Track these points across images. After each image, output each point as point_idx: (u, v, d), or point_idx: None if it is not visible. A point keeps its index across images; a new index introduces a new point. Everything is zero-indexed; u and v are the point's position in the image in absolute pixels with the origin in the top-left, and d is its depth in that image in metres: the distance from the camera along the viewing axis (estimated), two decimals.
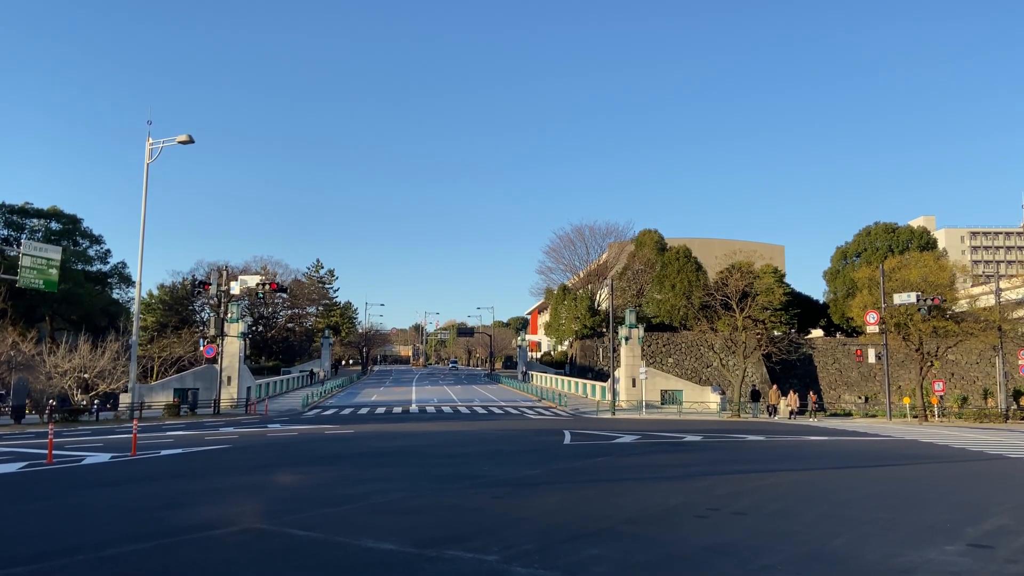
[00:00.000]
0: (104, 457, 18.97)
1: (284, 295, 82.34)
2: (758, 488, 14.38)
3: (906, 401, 47.31)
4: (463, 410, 45.59)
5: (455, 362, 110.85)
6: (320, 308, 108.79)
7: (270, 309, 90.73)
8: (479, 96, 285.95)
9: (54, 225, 66.01)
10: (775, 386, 52.30)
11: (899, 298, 42.55)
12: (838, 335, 72.83)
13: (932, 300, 41.86)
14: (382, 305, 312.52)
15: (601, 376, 66.67)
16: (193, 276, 73.46)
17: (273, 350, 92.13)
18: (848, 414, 51.00)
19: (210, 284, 43.66)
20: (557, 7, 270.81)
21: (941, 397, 46.75)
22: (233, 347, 46.45)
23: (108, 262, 70.53)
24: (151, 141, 38.64)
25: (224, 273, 44.50)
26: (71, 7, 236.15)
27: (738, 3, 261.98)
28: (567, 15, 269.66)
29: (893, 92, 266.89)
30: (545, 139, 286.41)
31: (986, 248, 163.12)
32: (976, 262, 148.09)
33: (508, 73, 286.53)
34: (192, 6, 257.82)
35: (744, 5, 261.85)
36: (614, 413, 44.71)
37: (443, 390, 69.93)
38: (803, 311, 70.92)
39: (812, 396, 46.97)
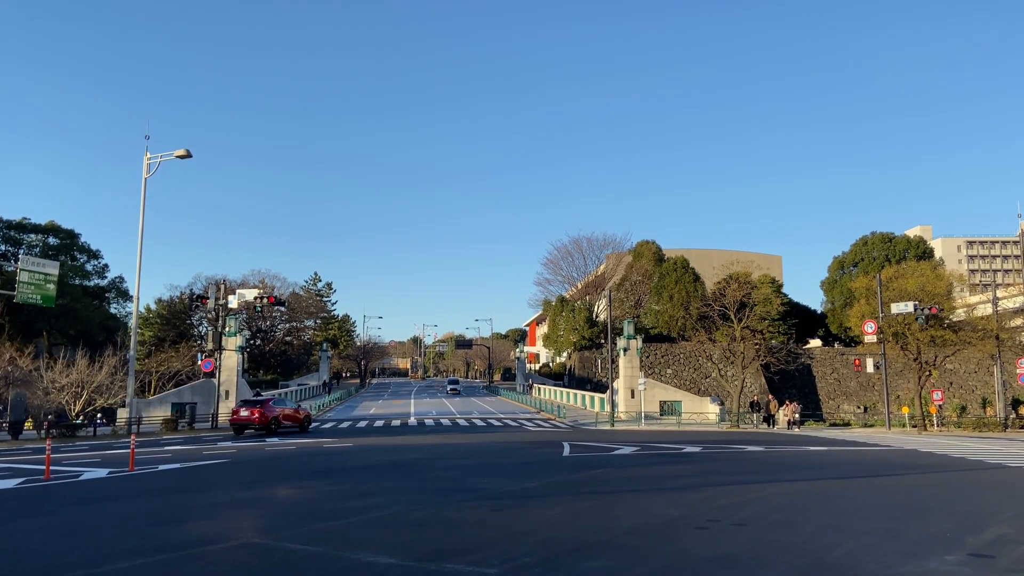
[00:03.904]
0: (102, 472, 18.91)
1: (282, 308, 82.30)
2: (758, 499, 14.35)
3: (905, 410, 47.27)
4: (462, 423, 45.51)
5: (456, 381, 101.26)
6: (318, 321, 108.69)
7: (268, 323, 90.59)
8: (475, 104, 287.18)
9: (52, 240, 66.03)
10: (771, 396, 52.32)
11: (897, 307, 42.61)
12: (836, 345, 72.86)
13: (930, 309, 41.93)
14: (380, 318, 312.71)
15: (600, 387, 66.59)
16: (191, 290, 73.41)
17: (271, 364, 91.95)
18: (847, 424, 50.94)
19: (208, 298, 43.64)
20: (553, 13, 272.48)
21: (940, 406, 46.72)
22: (231, 361, 46.38)
23: (106, 277, 70.58)
24: (149, 156, 38.73)
25: (222, 287, 44.48)
26: (69, 24, 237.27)
27: (732, 8, 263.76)
28: (563, 21, 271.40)
29: (888, 100, 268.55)
30: (541, 148, 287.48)
31: (983, 257, 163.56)
32: (973, 271, 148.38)
33: (503, 80, 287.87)
34: (187, 22, 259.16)
35: (738, 10, 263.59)
36: (613, 424, 44.64)
37: (442, 403, 69.81)
38: (801, 321, 70.98)
39: (794, 405, 46.66)
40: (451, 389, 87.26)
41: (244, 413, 35.35)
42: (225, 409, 44.20)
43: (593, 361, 75.48)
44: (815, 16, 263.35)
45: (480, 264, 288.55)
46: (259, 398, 40.12)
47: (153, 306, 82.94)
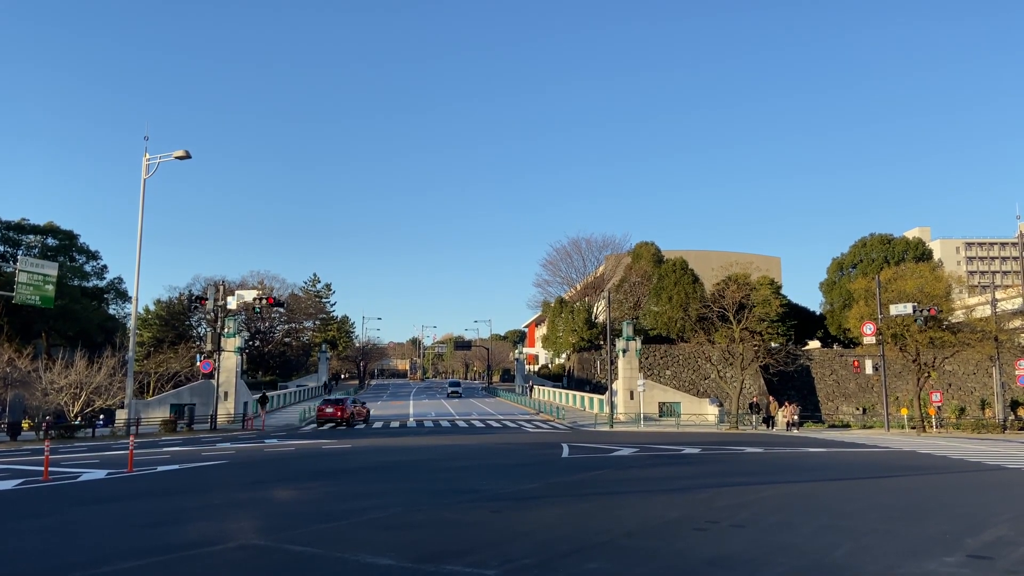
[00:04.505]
0: (100, 474, 18.89)
1: (281, 309, 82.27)
2: (757, 500, 14.36)
3: (904, 412, 47.28)
4: (461, 424, 45.50)
5: (457, 383, 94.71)
6: (317, 322, 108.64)
7: (267, 324, 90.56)
8: (474, 107, 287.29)
9: (50, 241, 65.97)
10: (770, 397, 52.32)
11: (896, 309, 42.62)
12: (835, 346, 72.86)
13: (928, 311, 41.94)
14: (379, 319, 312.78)
15: (599, 389, 66.59)
16: (190, 291, 73.34)
17: (270, 365, 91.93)
18: (846, 425, 50.95)
19: (207, 299, 43.63)
20: (552, 17, 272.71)
21: (939, 408, 46.73)
22: (230, 362, 46.35)
23: (105, 278, 70.47)
24: (148, 157, 38.76)
25: (221, 288, 44.47)
26: (68, 26, 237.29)
27: (731, 11, 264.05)
28: (562, 25, 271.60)
29: (887, 101, 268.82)
30: (540, 151, 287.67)
31: (981, 259, 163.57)
32: (972, 273, 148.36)
33: (502, 84, 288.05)
34: (187, 24, 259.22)
35: (737, 13, 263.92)
36: (612, 426, 44.64)
37: (441, 404, 69.82)
38: (800, 322, 70.97)
39: (793, 406, 46.52)
40: (452, 392, 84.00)
41: (329, 410, 44.16)
42: (224, 410, 44.21)
43: (592, 362, 75.46)
44: (813, 18, 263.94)
45: (479, 266, 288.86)
46: (339, 397, 49.63)
47: (152, 307, 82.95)
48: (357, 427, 42.90)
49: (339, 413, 43.82)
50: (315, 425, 43.99)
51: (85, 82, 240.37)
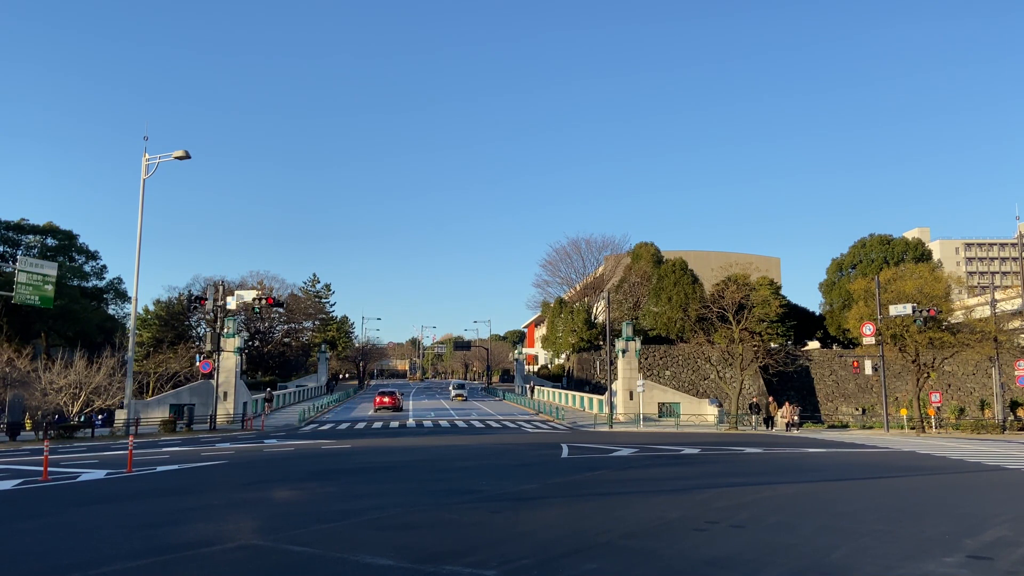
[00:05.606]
0: (100, 474, 18.88)
1: (280, 310, 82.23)
2: (757, 501, 14.36)
3: (903, 412, 47.29)
4: (460, 424, 45.49)
5: (462, 384, 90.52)
6: (317, 323, 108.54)
7: (266, 324, 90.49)
8: (472, 107, 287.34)
9: (50, 241, 65.91)
10: (770, 398, 52.32)
11: (895, 310, 42.61)
12: (835, 347, 72.85)
13: (928, 311, 41.92)
14: (379, 319, 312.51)
15: (598, 389, 66.59)
16: (189, 291, 73.27)
17: (269, 365, 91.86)
18: (845, 426, 50.95)
19: (206, 299, 43.60)
20: (551, 16, 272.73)
21: (938, 408, 46.71)
22: (229, 362, 46.33)
23: (104, 278, 70.36)
24: (147, 157, 38.73)
25: (220, 288, 44.41)
26: (67, 26, 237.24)
27: (730, 11, 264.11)
28: (560, 24, 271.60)
29: (887, 102, 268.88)
30: (539, 151, 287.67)
31: (981, 259, 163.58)
32: (971, 273, 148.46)
33: (501, 84, 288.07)
34: (186, 24, 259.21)
35: (736, 13, 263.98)
36: (611, 426, 44.64)
37: (440, 404, 69.80)
38: (799, 323, 70.98)
39: (793, 407, 46.40)
40: (456, 393, 78.61)
41: (386, 400, 57.70)
42: (223, 410, 44.21)
43: (592, 363, 75.45)
44: (813, 19, 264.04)
45: (479, 266, 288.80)
46: (391, 390, 62.74)
47: (151, 307, 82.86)
48: (357, 427, 42.94)
49: (393, 402, 57.64)
50: (315, 425, 44.05)
51: (85, 82, 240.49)
